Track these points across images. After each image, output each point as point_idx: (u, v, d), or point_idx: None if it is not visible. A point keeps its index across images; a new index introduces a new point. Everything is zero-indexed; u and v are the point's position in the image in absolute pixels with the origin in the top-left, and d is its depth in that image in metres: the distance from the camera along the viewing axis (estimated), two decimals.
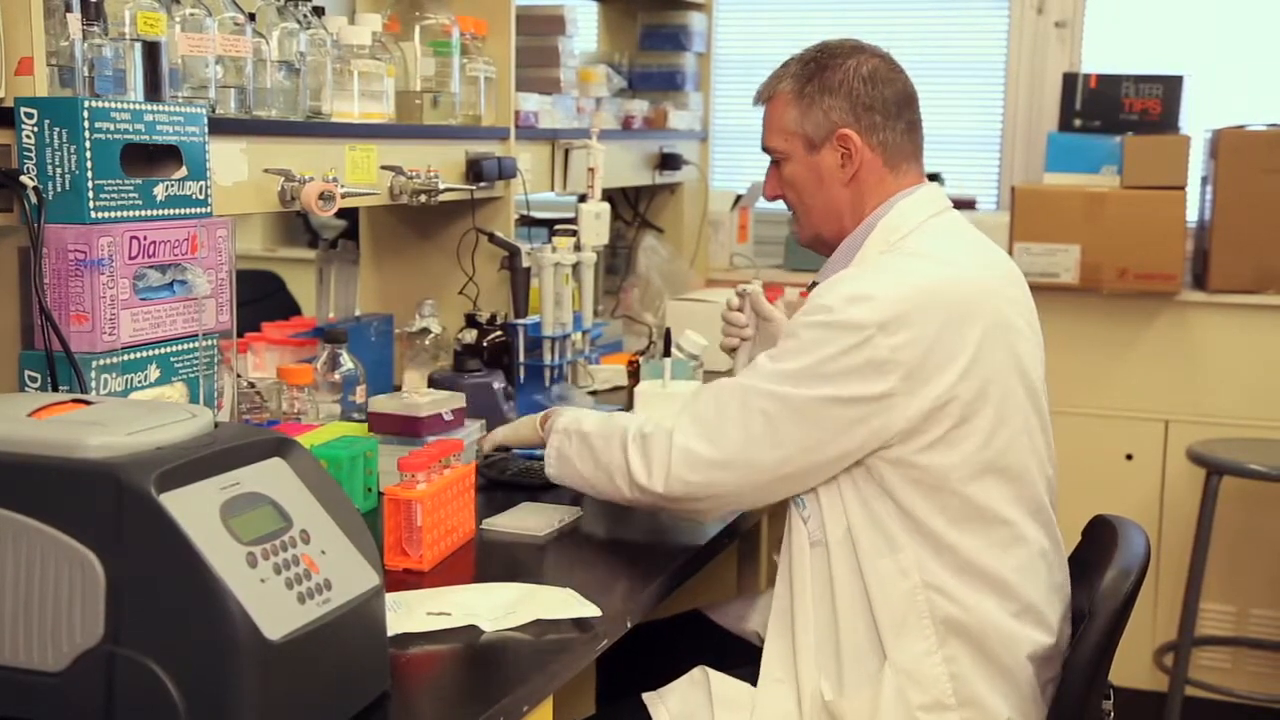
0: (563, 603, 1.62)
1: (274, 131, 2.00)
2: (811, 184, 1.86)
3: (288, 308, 3.84)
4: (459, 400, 2.13)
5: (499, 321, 2.57)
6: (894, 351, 1.63)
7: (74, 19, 1.61)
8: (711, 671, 1.79)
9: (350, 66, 2.19)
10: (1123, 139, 3.46)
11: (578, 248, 2.69)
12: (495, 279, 2.67)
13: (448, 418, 2.09)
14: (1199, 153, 3.55)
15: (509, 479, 2.13)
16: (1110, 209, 3.40)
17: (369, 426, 2.09)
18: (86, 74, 1.65)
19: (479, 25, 2.58)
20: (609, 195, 3.07)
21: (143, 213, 1.64)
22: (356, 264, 2.75)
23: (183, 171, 1.71)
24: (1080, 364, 3.54)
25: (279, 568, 1.19)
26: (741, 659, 1.84)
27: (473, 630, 1.54)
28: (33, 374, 1.57)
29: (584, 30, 3.25)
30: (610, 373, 2.86)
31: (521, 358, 2.55)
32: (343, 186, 2.09)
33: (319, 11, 2.12)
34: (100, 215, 1.58)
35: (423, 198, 2.33)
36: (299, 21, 2.05)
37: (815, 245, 1.93)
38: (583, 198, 2.84)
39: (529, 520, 1.95)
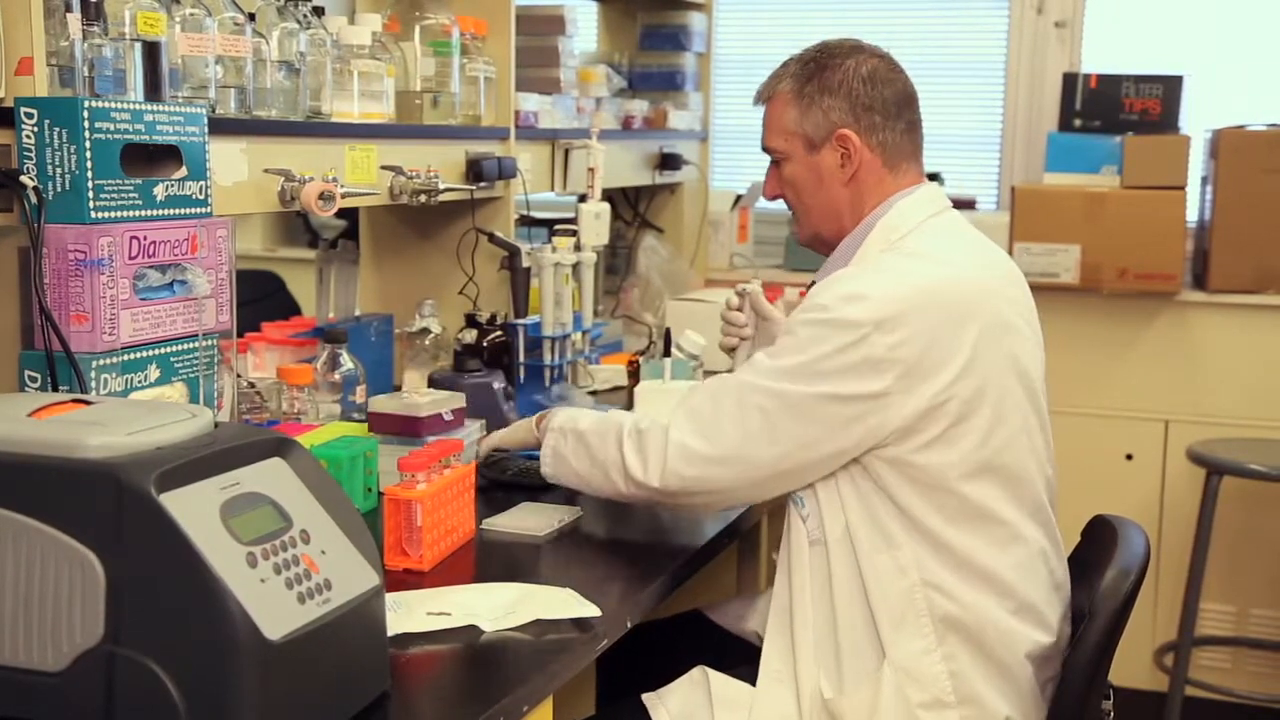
0: (563, 603, 1.62)
1: (274, 131, 2.00)
2: (811, 184, 1.86)
3: (288, 308, 3.84)
4: (459, 400, 2.13)
5: (499, 321, 2.57)
6: (890, 350, 1.64)
7: (74, 19, 1.61)
8: (711, 671, 1.79)
9: (350, 66, 2.19)
10: (1123, 139, 3.46)
11: (578, 248, 2.69)
12: (495, 279, 2.67)
13: (448, 418, 2.09)
14: (1199, 153, 3.55)
15: (509, 479, 2.13)
16: (1110, 209, 3.40)
17: (369, 426, 2.09)
18: (86, 74, 1.65)
19: (479, 25, 2.58)
20: (609, 195, 3.07)
21: (143, 213, 1.64)
22: (356, 264, 2.75)
23: (183, 171, 1.71)
24: (1080, 364, 3.54)
25: (279, 568, 1.19)
26: (741, 659, 1.84)
27: (473, 630, 1.54)
28: (33, 374, 1.57)
29: (584, 30, 3.25)
30: (610, 373, 2.86)
31: (521, 358, 2.55)
32: (343, 186, 2.09)
33: (319, 11, 2.12)
34: (100, 215, 1.58)
35: (423, 198, 2.33)
36: (299, 21, 2.05)
37: (815, 245, 1.93)
38: (583, 198, 2.84)
39: (529, 520, 1.95)
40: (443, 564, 1.78)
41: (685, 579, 1.86)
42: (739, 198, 3.85)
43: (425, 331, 2.65)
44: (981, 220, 3.38)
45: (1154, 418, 3.52)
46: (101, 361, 1.58)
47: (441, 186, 2.35)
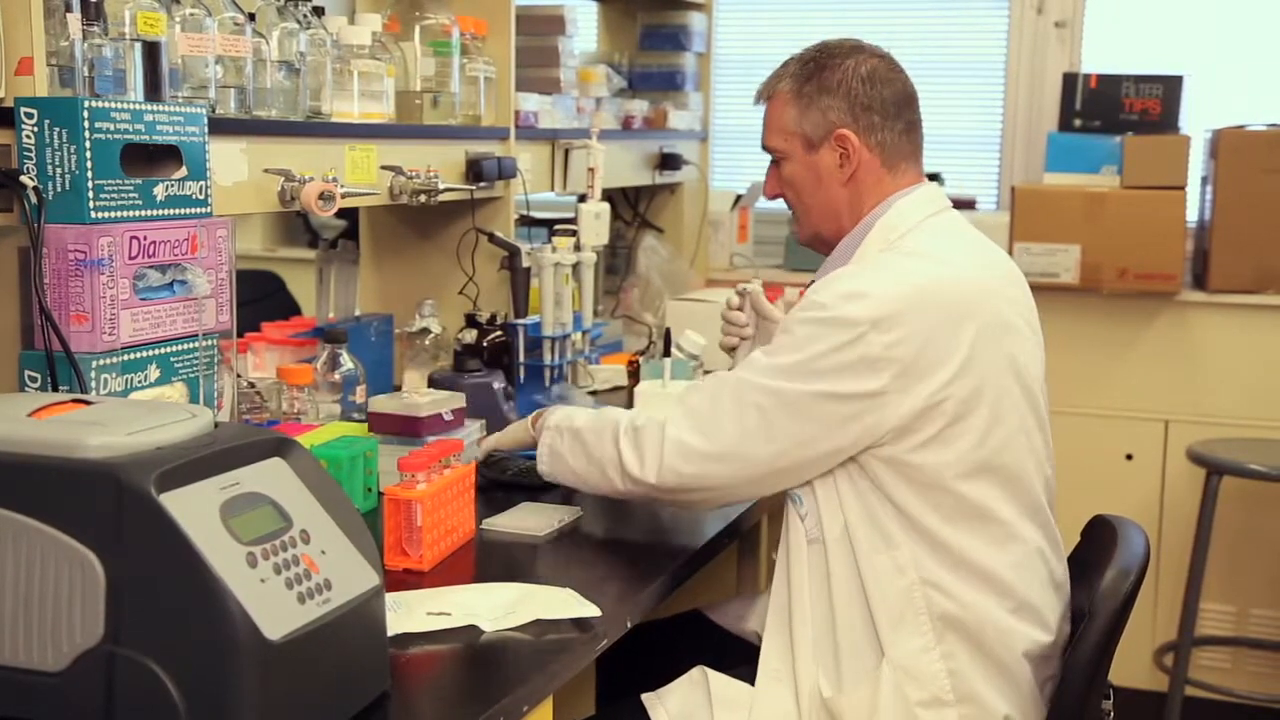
0: (563, 603, 1.62)
1: (274, 131, 2.00)
2: (810, 183, 1.86)
3: (288, 308, 3.84)
4: (459, 400, 2.13)
5: (499, 321, 2.57)
6: (887, 349, 1.64)
7: (74, 19, 1.61)
8: (710, 671, 1.79)
9: (350, 66, 2.19)
10: (1123, 139, 3.46)
11: (578, 248, 2.69)
12: (495, 279, 2.67)
13: (448, 418, 2.09)
14: (1199, 153, 3.55)
15: (509, 479, 2.13)
16: (1110, 209, 3.40)
17: (369, 426, 2.09)
18: (86, 74, 1.65)
19: (479, 25, 2.58)
20: (609, 195, 3.07)
21: (143, 213, 1.64)
22: (356, 264, 2.75)
23: (183, 171, 1.71)
24: (1080, 364, 3.54)
25: (279, 568, 1.19)
26: (741, 659, 1.84)
27: (473, 630, 1.54)
28: (33, 374, 1.57)
29: (584, 30, 3.25)
30: (610, 373, 2.86)
31: (521, 358, 2.55)
32: (343, 186, 2.09)
33: (319, 11, 2.12)
34: (100, 215, 1.58)
35: (423, 198, 2.33)
36: (299, 21, 2.05)
37: (814, 244, 1.93)
38: (583, 198, 2.84)
39: (529, 520, 1.95)
40: (443, 564, 1.78)
41: (685, 579, 1.86)
42: (739, 198, 3.85)
43: (425, 331, 2.65)
44: (981, 220, 3.38)
45: (1154, 418, 3.53)
46: (101, 361, 1.58)
47: (441, 186, 2.35)
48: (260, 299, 3.86)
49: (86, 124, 1.55)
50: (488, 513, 1.97)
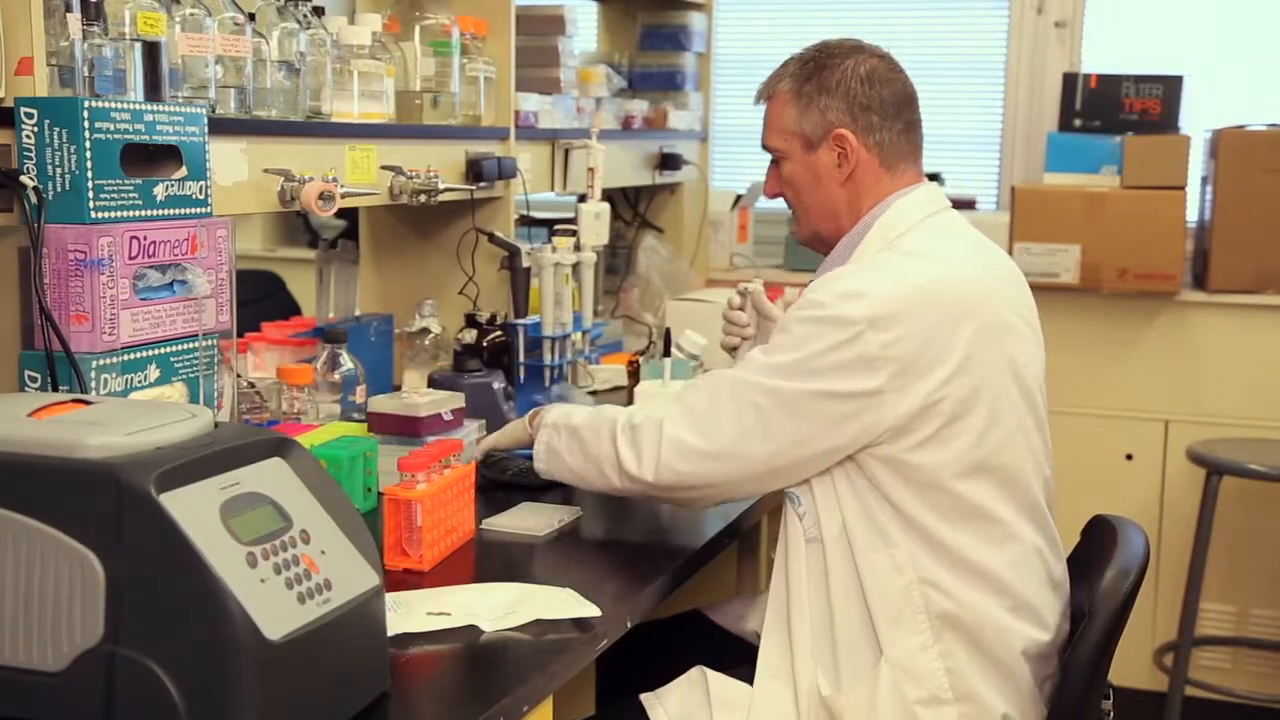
0: (563, 603, 1.62)
1: (274, 131, 2.00)
2: (809, 183, 1.87)
3: (288, 308, 3.84)
4: (458, 400, 2.13)
5: (499, 321, 2.57)
6: (885, 348, 1.64)
7: (74, 19, 1.61)
8: (709, 671, 1.79)
9: (350, 66, 2.19)
10: (1123, 139, 3.46)
11: (578, 248, 2.69)
12: (495, 279, 2.67)
13: (447, 418, 2.09)
14: (1199, 153, 3.55)
15: (509, 479, 2.13)
16: (1110, 209, 3.40)
17: (369, 426, 2.09)
18: (86, 74, 1.65)
19: (479, 25, 2.58)
20: (609, 195, 3.07)
21: (143, 213, 1.64)
22: (356, 264, 2.75)
23: (183, 171, 1.71)
24: (1080, 364, 3.54)
25: (279, 568, 1.19)
26: (741, 659, 1.84)
27: (473, 630, 1.54)
28: (33, 374, 1.57)
29: (584, 30, 3.25)
30: (610, 373, 2.86)
31: (521, 358, 2.55)
32: (342, 186, 2.09)
33: (319, 11, 2.12)
34: (100, 215, 1.58)
35: (423, 198, 2.33)
36: (299, 21, 2.05)
37: (814, 244, 1.94)
38: (583, 198, 2.84)
39: (529, 520, 1.95)
40: (443, 564, 1.78)
41: (685, 579, 1.86)
42: (739, 198, 3.85)
43: (425, 331, 2.65)
44: (981, 220, 3.38)
45: (1154, 418, 3.53)
46: (101, 361, 1.58)
47: (441, 186, 2.35)
48: (260, 299, 3.86)
49: (86, 124, 1.55)
50: (488, 513, 1.97)
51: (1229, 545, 3.45)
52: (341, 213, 2.34)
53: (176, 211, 1.69)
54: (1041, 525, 1.76)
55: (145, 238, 1.62)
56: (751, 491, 1.81)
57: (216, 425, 1.30)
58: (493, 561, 1.82)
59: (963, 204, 3.77)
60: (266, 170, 1.98)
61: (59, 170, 1.55)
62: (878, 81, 1.82)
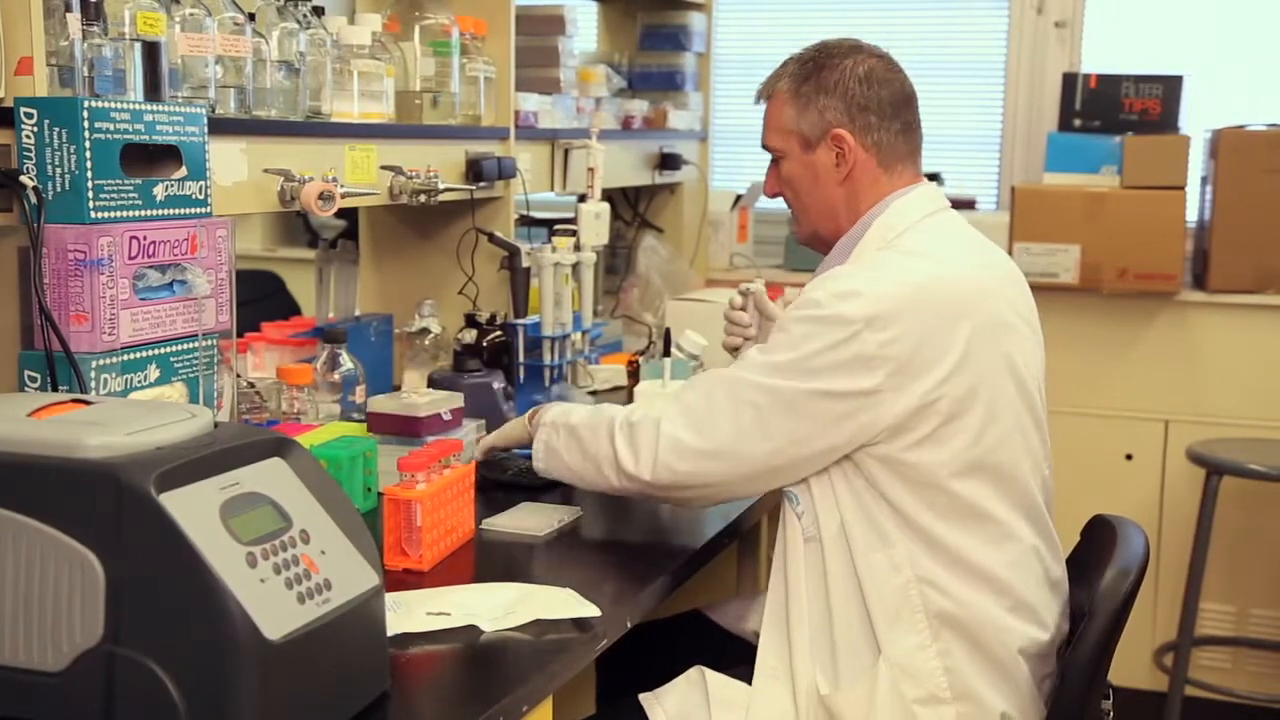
0: (562, 603, 1.62)
1: (274, 131, 2.00)
2: (807, 182, 1.87)
3: (288, 308, 3.84)
4: (458, 400, 2.13)
5: (499, 321, 2.57)
6: (881, 348, 1.64)
7: (74, 19, 1.61)
8: (708, 671, 1.79)
9: (350, 66, 2.19)
10: (1123, 139, 3.46)
11: (577, 248, 2.69)
12: (495, 279, 2.67)
13: (447, 418, 2.09)
14: (1199, 153, 3.55)
15: (509, 479, 2.13)
16: (1110, 209, 3.40)
17: (368, 426, 2.09)
18: (86, 74, 1.65)
19: (479, 25, 2.58)
20: (609, 195, 3.07)
21: (143, 213, 1.64)
22: (356, 264, 2.75)
23: (182, 171, 1.71)
24: (1080, 364, 3.54)
25: (279, 568, 1.19)
26: (741, 659, 1.84)
27: (472, 630, 1.54)
28: (32, 374, 1.57)
29: (584, 30, 3.25)
30: (610, 373, 2.86)
31: (521, 358, 2.55)
32: (342, 186, 2.09)
33: (319, 11, 2.12)
34: (100, 215, 1.58)
35: (422, 198, 2.33)
36: (299, 21, 2.05)
37: (813, 243, 1.94)
38: (582, 198, 2.84)
39: (528, 520, 1.95)
40: (442, 564, 1.78)
41: (685, 579, 1.86)
42: (739, 198, 3.85)
43: (425, 331, 2.65)
44: (981, 220, 3.37)
45: (1154, 418, 3.53)
46: (101, 361, 1.58)
47: (441, 186, 2.35)
48: (260, 299, 3.86)
49: (86, 124, 1.55)
50: (487, 513, 1.97)
51: (1229, 545, 3.45)
52: (341, 213, 2.34)
53: (176, 211, 1.69)
54: (1039, 525, 1.76)
55: (145, 238, 1.62)
56: (749, 491, 1.81)
57: (216, 425, 1.30)
58: (493, 561, 1.82)
59: (963, 204, 3.77)
60: (266, 170, 1.98)
61: (59, 170, 1.55)
62: (876, 82, 1.82)
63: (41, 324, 1.54)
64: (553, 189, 2.93)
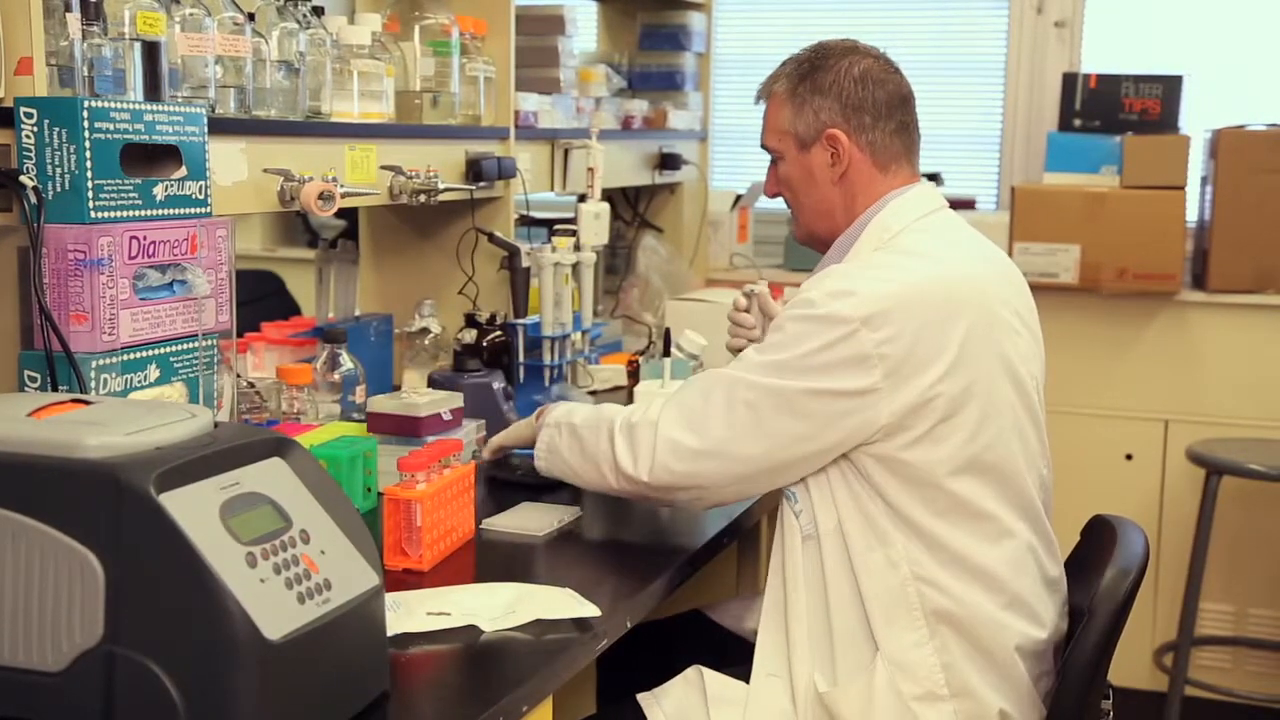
0: (562, 603, 1.62)
1: (273, 131, 2.00)
2: (804, 182, 1.87)
3: (287, 308, 3.84)
4: (458, 400, 2.13)
5: (498, 321, 2.57)
6: (878, 346, 1.64)
7: (74, 19, 1.61)
8: (706, 670, 1.79)
9: (350, 66, 2.19)
10: (1122, 139, 3.46)
11: (577, 248, 2.69)
12: (495, 279, 2.68)
13: (447, 418, 2.09)
14: (1199, 153, 3.55)
15: (516, 478, 2.13)
16: (1110, 209, 3.40)
17: (368, 426, 2.09)
18: (86, 74, 1.65)
19: (478, 25, 2.58)
20: (609, 195, 3.07)
21: (142, 213, 1.64)
22: (356, 264, 2.75)
23: (182, 171, 1.71)
24: (1080, 364, 3.54)
25: (279, 568, 1.19)
26: (741, 658, 1.84)
27: (472, 630, 1.54)
28: (32, 374, 1.57)
29: (584, 30, 3.25)
30: (610, 373, 2.86)
31: (521, 358, 2.55)
32: (342, 186, 2.09)
33: (318, 11, 2.12)
34: (100, 215, 1.58)
35: (422, 197, 2.33)
36: (298, 21, 2.05)
37: (811, 243, 1.94)
38: (582, 198, 2.84)
39: (529, 520, 1.95)
40: (442, 564, 1.78)
41: (685, 579, 1.86)
42: (739, 197, 3.85)
43: (425, 331, 2.65)
44: (981, 220, 3.38)
45: (1153, 418, 3.53)
46: (101, 361, 1.58)
47: (441, 186, 2.35)
48: (260, 299, 3.86)
49: (86, 124, 1.55)
50: (487, 513, 1.97)
51: (1228, 545, 3.45)
52: (341, 213, 2.34)
53: (176, 211, 1.69)
54: (1036, 523, 1.76)
55: (145, 238, 1.62)
56: (747, 492, 1.81)
57: (216, 425, 1.30)
58: (493, 561, 1.82)
59: (962, 204, 3.77)
60: (266, 170, 1.98)
61: (59, 170, 1.55)
62: (871, 82, 1.83)
63: (41, 324, 1.54)
64: (553, 189, 2.93)
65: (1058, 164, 3.56)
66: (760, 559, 2.56)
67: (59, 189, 1.56)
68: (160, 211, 1.67)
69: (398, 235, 2.79)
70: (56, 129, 1.55)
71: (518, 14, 2.69)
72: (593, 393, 2.77)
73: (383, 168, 2.28)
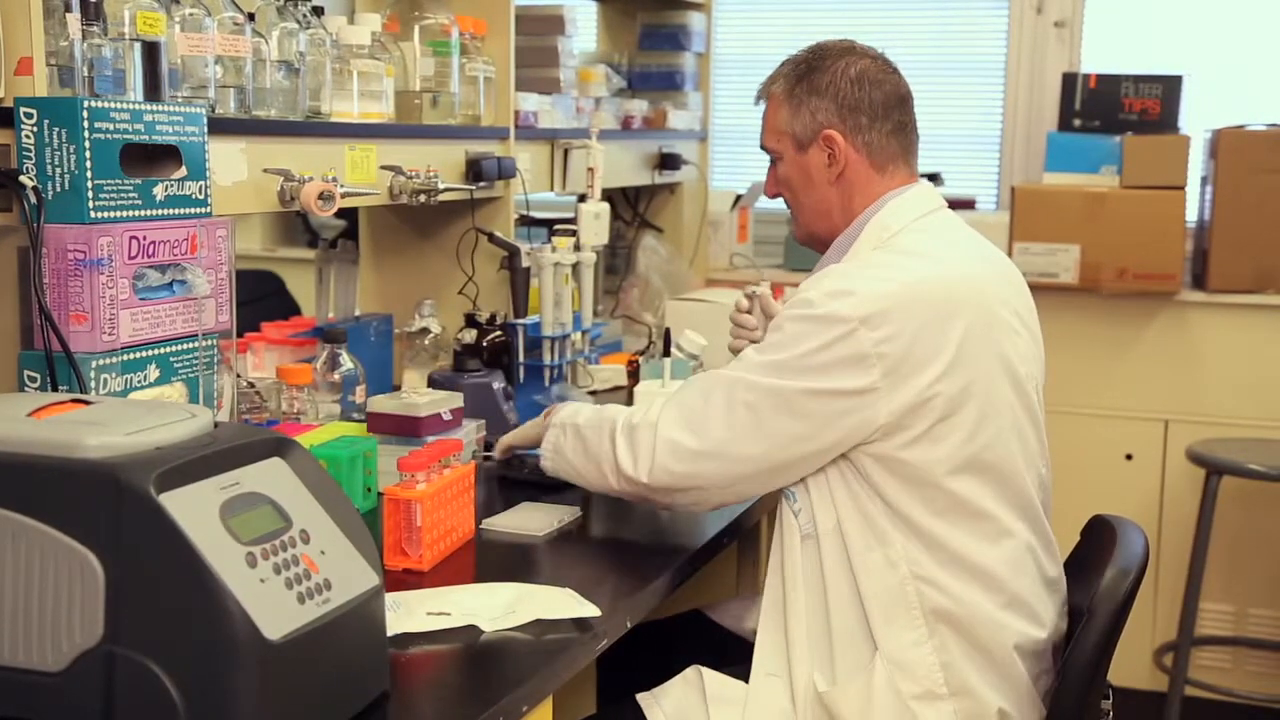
0: (562, 603, 1.62)
1: (273, 131, 2.00)
2: (802, 183, 1.88)
3: (287, 308, 3.84)
4: (458, 400, 2.13)
5: (498, 321, 2.57)
6: (876, 346, 1.64)
7: (74, 19, 1.61)
8: (705, 670, 1.80)
9: (350, 66, 2.19)
10: (1122, 139, 3.46)
11: (577, 248, 2.69)
12: (495, 279, 2.68)
13: (447, 418, 2.09)
14: (1199, 153, 3.55)
15: (526, 477, 2.12)
16: (1110, 209, 3.40)
17: (368, 426, 2.09)
18: (86, 74, 1.65)
19: (478, 25, 2.58)
20: (608, 195, 3.07)
21: (142, 213, 1.64)
22: (356, 264, 2.75)
23: (182, 171, 1.71)
24: (1080, 364, 3.54)
25: (279, 568, 1.19)
26: (741, 658, 1.84)
27: (472, 630, 1.54)
28: (32, 374, 1.57)
29: (583, 30, 3.25)
30: (610, 373, 2.86)
31: (521, 358, 2.55)
32: (342, 186, 2.09)
33: (318, 11, 2.12)
34: (100, 215, 1.58)
35: (422, 197, 2.33)
36: (298, 21, 2.05)
37: (810, 243, 1.94)
38: (582, 198, 2.84)
39: (528, 520, 1.95)
40: (442, 564, 1.78)
41: (685, 579, 1.86)
42: (739, 198, 3.85)
43: (425, 331, 2.65)
44: (981, 220, 3.38)
45: (1153, 418, 3.53)
46: (101, 361, 1.58)
47: (441, 186, 2.35)
48: (260, 299, 3.86)
49: (86, 124, 1.55)
50: (487, 513, 1.97)
51: (1228, 545, 3.45)
52: (341, 213, 2.34)
53: (176, 211, 1.69)
54: (1035, 523, 1.76)
55: (145, 238, 1.62)
56: (746, 493, 1.81)
57: (216, 425, 1.30)
58: (493, 561, 1.82)
59: (962, 204, 3.77)
60: (266, 170, 1.98)
61: (58, 170, 1.55)
62: (868, 83, 1.83)
63: (41, 324, 1.54)
64: (552, 189, 2.93)
65: (1058, 164, 3.55)
66: (760, 559, 2.56)
67: (59, 189, 1.56)
68: (160, 211, 1.67)
69: (398, 235, 2.79)
70: (56, 129, 1.55)
71: (518, 14, 2.69)
72: (593, 393, 2.77)
73: (383, 168, 2.28)
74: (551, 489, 2.07)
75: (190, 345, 1.71)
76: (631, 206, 3.68)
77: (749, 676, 1.76)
